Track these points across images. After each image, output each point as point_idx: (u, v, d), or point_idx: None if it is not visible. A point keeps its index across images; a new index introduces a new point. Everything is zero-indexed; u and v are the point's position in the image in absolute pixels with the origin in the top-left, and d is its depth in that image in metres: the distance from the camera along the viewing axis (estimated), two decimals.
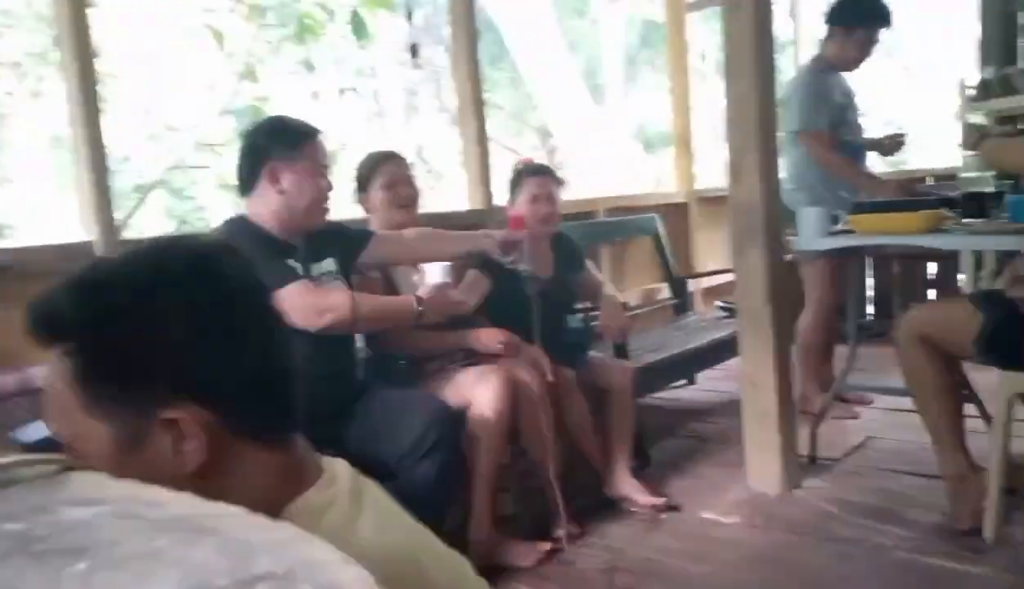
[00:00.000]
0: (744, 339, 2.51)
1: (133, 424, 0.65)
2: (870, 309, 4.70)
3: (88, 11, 2.22)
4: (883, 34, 3.10)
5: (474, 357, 2.27)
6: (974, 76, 4.17)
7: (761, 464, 2.51)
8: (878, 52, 3.14)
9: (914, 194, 3.09)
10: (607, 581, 2.05)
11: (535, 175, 2.61)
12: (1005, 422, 2.01)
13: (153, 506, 0.55)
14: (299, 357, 0.75)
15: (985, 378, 2.14)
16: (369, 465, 0.85)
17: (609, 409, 2.50)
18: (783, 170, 2.82)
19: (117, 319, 0.65)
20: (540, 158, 11.24)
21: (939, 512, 2.22)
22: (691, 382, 3.78)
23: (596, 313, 2.67)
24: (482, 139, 3.40)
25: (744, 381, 2.53)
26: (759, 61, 2.36)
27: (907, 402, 2.29)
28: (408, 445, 1.87)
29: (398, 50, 11.45)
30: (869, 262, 4.61)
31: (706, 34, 11.30)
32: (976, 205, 2.40)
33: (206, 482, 0.63)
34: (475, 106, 3.37)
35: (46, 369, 0.69)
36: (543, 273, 2.49)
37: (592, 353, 2.66)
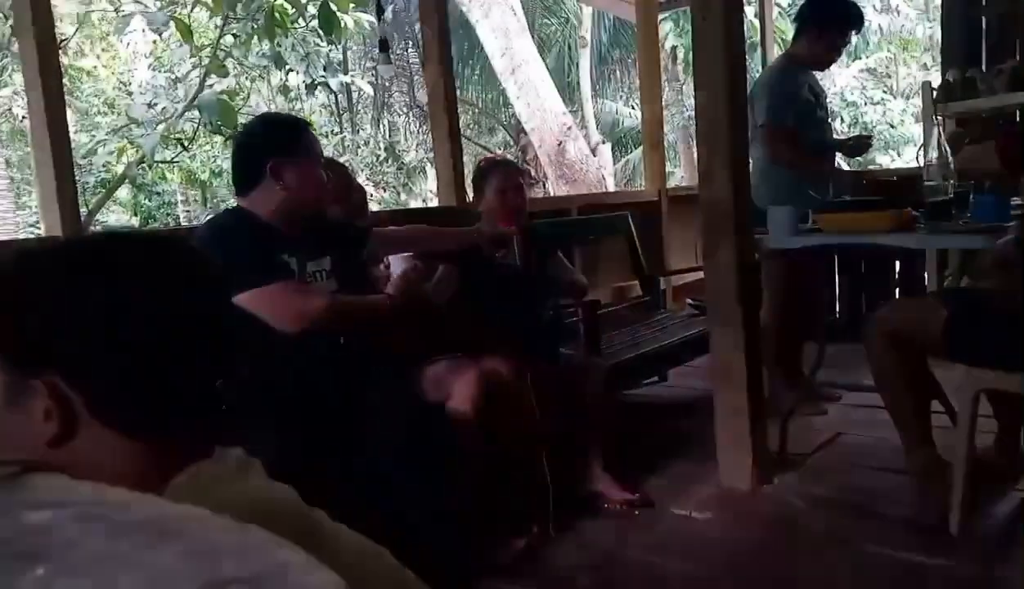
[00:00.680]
0: (715, 337, 2.53)
1: (13, 380, 0.68)
2: (838, 307, 4.77)
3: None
4: (853, 37, 3.14)
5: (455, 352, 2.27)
6: (937, 79, 4.24)
7: (732, 460, 2.53)
8: (846, 54, 3.19)
9: (879, 189, 3.12)
10: (579, 577, 2.05)
11: (499, 168, 2.64)
12: (970, 417, 2.05)
13: (117, 508, 0.53)
14: (225, 372, 0.75)
15: (950, 376, 2.18)
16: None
17: (582, 406, 2.50)
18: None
19: (3, 284, 0.70)
20: (512, 156, 11.25)
21: (906, 506, 2.25)
22: (663, 379, 3.80)
23: (571, 309, 2.67)
24: (454, 136, 3.38)
25: (715, 378, 2.55)
26: (729, 62, 2.37)
27: (875, 398, 2.32)
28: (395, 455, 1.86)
29: (369, 46, 11.36)
30: (836, 261, 4.68)
31: (677, 34, 11.39)
32: (941, 207, 2.44)
33: (58, 456, 0.65)
34: (447, 103, 3.35)
35: None
36: (514, 266, 2.51)
37: (565, 351, 2.66)
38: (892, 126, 13.33)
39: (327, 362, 1.95)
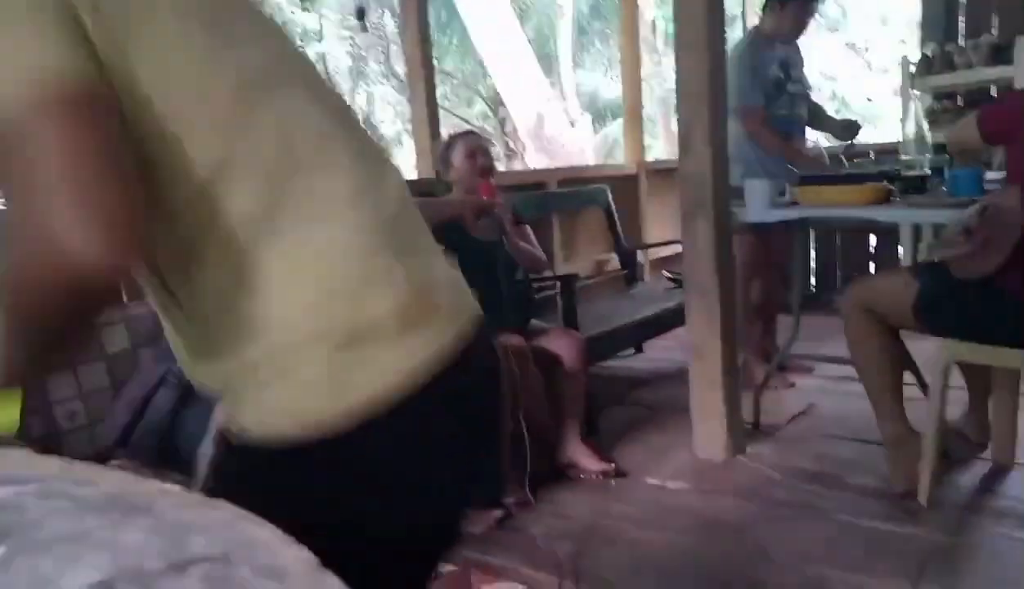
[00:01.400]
0: (691, 309, 2.54)
1: None
2: (813, 281, 4.81)
3: None
4: (822, 8, 3.12)
5: None
6: (915, 53, 4.25)
7: (707, 431, 2.55)
8: (821, 28, 3.17)
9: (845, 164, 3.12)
10: (556, 547, 2.07)
11: (462, 135, 2.72)
12: (942, 388, 2.08)
13: (82, 484, 0.52)
14: None
15: (922, 347, 2.21)
16: None
17: (558, 378, 2.50)
18: None
19: None
20: (492, 128, 11.12)
21: (877, 476, 2.29)
22: (639, 351, 3.82)
23: (544, 282, 2.68)
24: (432, 105, 3.34)
25: (691, 350, 2.56)
26: (709, 34, 2.36)
27: (848, 370, 2.35)
28: None
29: (345, 14, 11.16)
30: (812, 235, 4.71)
31: (658, 5, 11.30)
32: (916, 181, 2.46)
33: None
34: (425, 71, 3.31)
35: None
36: (493, 237, 2.53)
37: (541, 323, 2.67)
38: (869, 100, 13.37)
39: None
